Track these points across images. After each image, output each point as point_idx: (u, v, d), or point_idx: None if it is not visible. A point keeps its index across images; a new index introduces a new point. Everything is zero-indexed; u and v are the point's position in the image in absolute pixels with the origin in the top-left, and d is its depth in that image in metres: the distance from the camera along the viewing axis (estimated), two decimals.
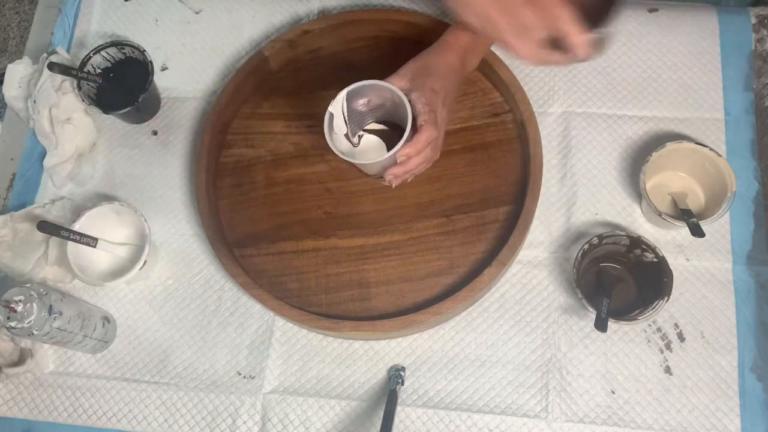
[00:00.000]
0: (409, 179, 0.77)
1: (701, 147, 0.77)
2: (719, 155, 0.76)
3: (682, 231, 0.78)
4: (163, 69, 0.95)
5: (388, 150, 0.71)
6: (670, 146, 0.77)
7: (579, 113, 0.86)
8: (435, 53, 0.75)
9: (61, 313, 0.72)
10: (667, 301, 0.71)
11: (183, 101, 0.93)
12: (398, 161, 0.71)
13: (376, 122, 0.81)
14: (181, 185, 0.89)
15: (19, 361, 0.80)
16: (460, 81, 0.78)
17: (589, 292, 0.74)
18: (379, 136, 0.80)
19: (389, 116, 0.79)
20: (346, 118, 0.72)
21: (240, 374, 0.79)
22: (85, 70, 0.87)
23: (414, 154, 0.70)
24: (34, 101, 0.88)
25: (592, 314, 0.71)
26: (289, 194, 0.85)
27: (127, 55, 0.89)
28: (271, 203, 0.85)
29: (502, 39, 0.60)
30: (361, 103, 0.76)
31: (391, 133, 0.79)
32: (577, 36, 0.57)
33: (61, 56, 0.91)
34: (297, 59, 0.91)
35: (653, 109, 0.85)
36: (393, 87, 0.72)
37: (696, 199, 0.80)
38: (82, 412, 0.80)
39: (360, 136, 0.79)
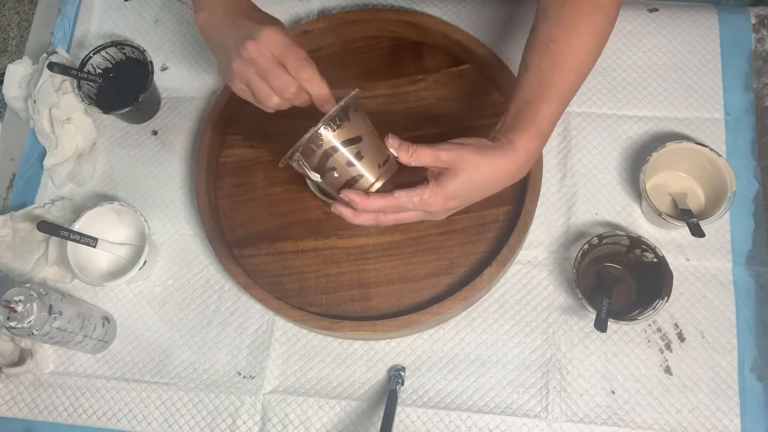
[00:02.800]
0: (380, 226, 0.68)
1: (701, 147, 0.77)
2: (719, 155, 0.76)
3: (682, 231, 0.78)
4: (163, 69, 0.95)
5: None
6: (670, 146, 0.77)
7: (579, 113, 0.86)
8: (497, 152, 0.62)
9: (61, 313, 0.72)
10: (667, 301, 0.71)
11: (183, 101, 0.93)
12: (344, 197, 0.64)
13: None
14: (181, 185, 0.89)
15: (19, 361, 0.80)
16: (494, 192, 0.65)
17: (589, 292, 0.74)
18: None
19: None
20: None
21: (240, 374, 0.79)
22: (85, 70, 0.87)
23: (360, 206, 0.62)
24: (34, 101, 0.88)
25: (592, 314, 0.71)
26: (289, 194, 0.85)
27: (127, 55, 0.89)
28: (271, 203, 0.85)
29: (264, 104, 0.67)
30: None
31: None
32: (321, 91, 0.66)
33: (61, 56, 0.91)
34: None
35: (653, 109, 0.85)
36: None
37: (696, 199, 0.80)
38: (82, 412, 0.80)
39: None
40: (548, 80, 0.64)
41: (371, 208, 0.63)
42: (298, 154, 0.64)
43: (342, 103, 0.63)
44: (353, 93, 0.65)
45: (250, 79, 0.65)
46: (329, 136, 0.63)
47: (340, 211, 0.65)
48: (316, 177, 0.65)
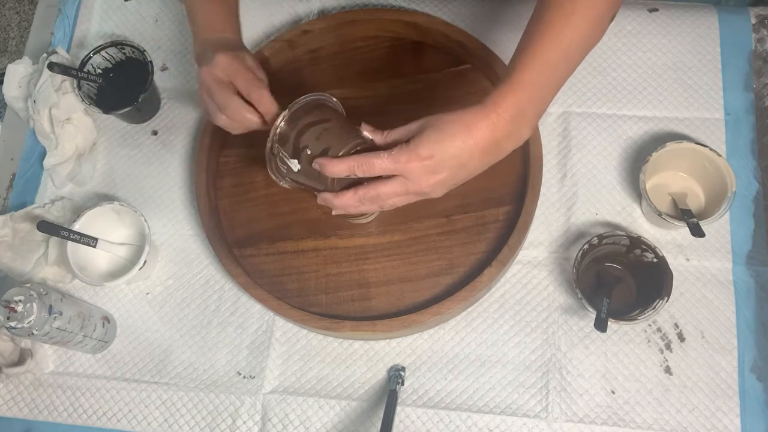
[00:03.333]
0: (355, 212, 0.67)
1: (701, 147, 0.77)
2: (719, 155, 0.76)
3: (682, 231, 0.78)
4: (163, 69, 0.95)
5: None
6: (670, 146, 0.77)
7: (579, 113, 0.86)
8: (462, 109, 0.62)
9: (61, 313, 0.72)
10: (667, 301, 0.71)
11: (183, 101, 0.93)
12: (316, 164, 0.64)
13: None
14: (181, 185, 0.89)
15: (19, 361, 0.80)
16: (483, 161, 0.63)
17: (589, 292, 0.74)
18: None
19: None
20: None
21: (240, 374, 0.79)
22: (85, 70, 0.87)
23: (328, 168, 0.63)
24: (34, 101, 0.88)
25: (592, 314, 0.71)
26: (289, 194, 0.85)
27: (127, 55, 0.89)
28: (271, 203, 0.85)
29: (213, 121, 0.73)
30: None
31: None
32: (271, 108, 0.70)
33: (61, 56, 0.91)
34: (297, 59, 0.91)
35: (653, 109, 0.85)
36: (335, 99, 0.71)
37: (696, 199, 0.80)
38: (82, 412, 0.80)
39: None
40: (528, 37, 0.64)
41: (340, 168, 0.63)
42: (277, 145, 0.68)
43: (309, 96, 0.69)
44: (321, 94, 0.70)
45: (202, 98, 0.73)
46: (298, 117, 0.68)
47: (323, 197, 0.66)
48: (294, 165, 0.67)
